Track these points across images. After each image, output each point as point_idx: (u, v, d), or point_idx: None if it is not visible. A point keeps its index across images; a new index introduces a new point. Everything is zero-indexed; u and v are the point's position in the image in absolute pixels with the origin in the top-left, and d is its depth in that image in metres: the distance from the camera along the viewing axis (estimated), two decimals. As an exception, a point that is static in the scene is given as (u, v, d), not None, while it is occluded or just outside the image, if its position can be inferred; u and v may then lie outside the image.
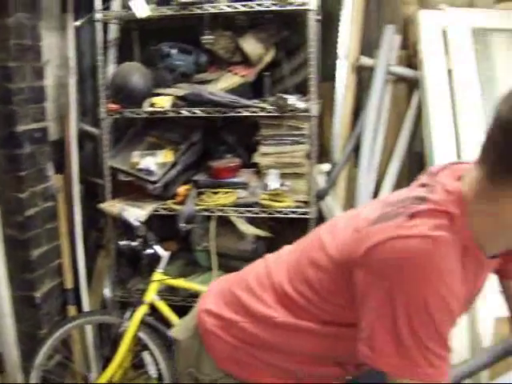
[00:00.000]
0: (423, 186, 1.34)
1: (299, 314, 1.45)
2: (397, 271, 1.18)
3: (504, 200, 1.20)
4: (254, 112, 3.04)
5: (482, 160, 1.24)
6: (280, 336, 1.50)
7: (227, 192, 3.15)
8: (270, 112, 3.03)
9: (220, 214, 3.13)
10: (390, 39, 3.25)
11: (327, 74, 3.26)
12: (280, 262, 1.57)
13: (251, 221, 3.17)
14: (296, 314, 1.46)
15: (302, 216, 3.04)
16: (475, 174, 1.24)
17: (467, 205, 1.24)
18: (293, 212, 3.06)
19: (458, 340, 2.70)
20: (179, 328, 1.76)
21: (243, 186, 3.16)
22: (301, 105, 2.99)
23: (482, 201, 1.23)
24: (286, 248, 1.66)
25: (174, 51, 3.22)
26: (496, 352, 2.37)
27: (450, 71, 3.10)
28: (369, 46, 3.33)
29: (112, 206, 3.20)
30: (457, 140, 2.97)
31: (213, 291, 1.70)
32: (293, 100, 2.99)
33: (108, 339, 3.36)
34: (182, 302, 3.07)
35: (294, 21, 3.23)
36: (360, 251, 1.26)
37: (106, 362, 3.19)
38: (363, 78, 3.34)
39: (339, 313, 1.40)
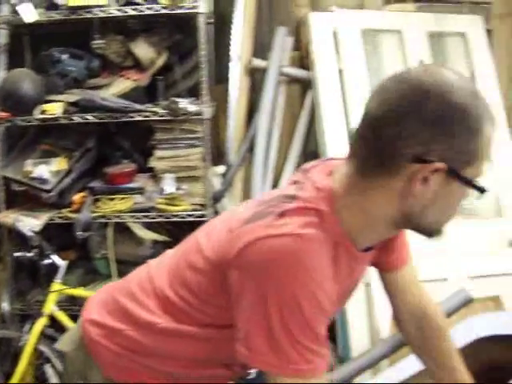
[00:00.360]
0: (295, 183, 1.35)
1: (180, 319, 1.44)
2: (266, 271, 1.18)
3: (371, 192, 1.21)
4: (146, 116, 3.03)
5: (352, 155, 1.25)
6: (163, 342, 1.48)
7: (123, 198, 3.11)
8: (162, 116, 3.02)
9: (117, 220, 3.10)
10: (282, 41, 3.30)
11: (221, 77, 3.29)
12: (161, 267, 1.55)
13: (149, 226, 3.14)
14: (177, 319, 1.44)
15: (199, 219, 3.03)
16: (345, 170, 1.25)
17: (337, 200, 1.24)
18: (189, 215, 3.06)
19: (358, 332, 2.77)
20: (65, 340, 1.72)
21: (139, 191, 3.13)
22: (192, 108, 3.00)
23: (352, 192, 1.23)
24: (168, 252, 1.63)
25: (65, 56, 3.15)
26: (395, 342, 2.45)
27: (341, 71, 3.19)
28: (261, 47, 3.38)
29: (6, 217, 3.10)
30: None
31: (95, 300, 1.66)
32: (184, 103, 2.99)
33: (8, 354, 3.27)
34: (83, 312, 3.02)
35: (186, 24, 3.22)
36: (233, 252, 1.25)
37: (6, 377, 3.10)
38: (256, 79, 3.38)
39: (220, 315, 1.39)
